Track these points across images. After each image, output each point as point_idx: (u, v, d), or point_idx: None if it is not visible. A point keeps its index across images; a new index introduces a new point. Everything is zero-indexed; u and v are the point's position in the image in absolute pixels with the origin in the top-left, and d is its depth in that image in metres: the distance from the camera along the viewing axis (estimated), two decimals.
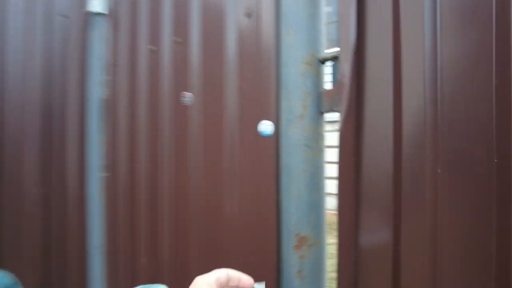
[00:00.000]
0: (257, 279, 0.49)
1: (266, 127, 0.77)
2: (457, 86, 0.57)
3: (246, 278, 0.51)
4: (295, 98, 0.72)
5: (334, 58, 0.70)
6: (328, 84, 0.74)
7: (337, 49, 0.67)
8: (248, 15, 0.82)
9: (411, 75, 0.61)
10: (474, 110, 0.55)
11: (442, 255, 0.58)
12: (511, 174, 0.53)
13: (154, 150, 1.08)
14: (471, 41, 0.55)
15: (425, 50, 0.59)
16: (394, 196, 0.63)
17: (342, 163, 0.68)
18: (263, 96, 0.79)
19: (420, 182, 0.60)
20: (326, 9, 0.74)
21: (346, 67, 0.66)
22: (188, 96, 0.97)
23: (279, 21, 0.76)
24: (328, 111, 0.71)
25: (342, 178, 0.68)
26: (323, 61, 0.72)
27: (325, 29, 0.75)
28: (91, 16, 1.28)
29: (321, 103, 0.72)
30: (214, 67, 0.91)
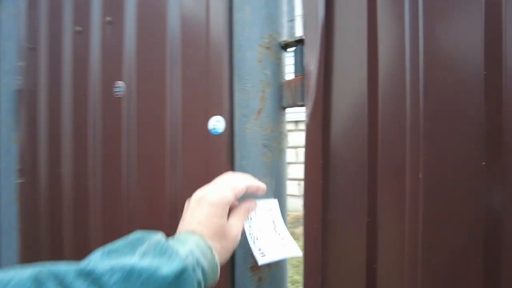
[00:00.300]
0: None
1: (216, 123, 0.65)
2: (442, 77, 0.48)
3: (263, 186, 0.51)
4: (251, 89, 0.60)
5: (298, 42, 0.59)
6: (289, 74, 0.63)
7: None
8: None
9: (389, 63, 0.51)
10: (460, 107, 0.48)
11: (424, 271, 0.49)
12: (501, 179, 0.46)
13: (81, 151, 0.90)
14: (457, 27, 0.48)
15: (405, 34, 0.50)
16: (368, 206, 0.54)
17: (309, 166, 0.57)
18: (212, 85, 0.66)
19: (399, 188, 0.51)
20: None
21: (313, 51, 0.55)
22: (121, 86, 0.81)
23: None
24: (290, 106, 0.60)
25: (308, 184, 0.57)
26: (284, 47, 0.61)
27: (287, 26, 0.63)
28: None
29: (282, 95, 0.60)
30: (153, 51, 0.76)
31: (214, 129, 0.65)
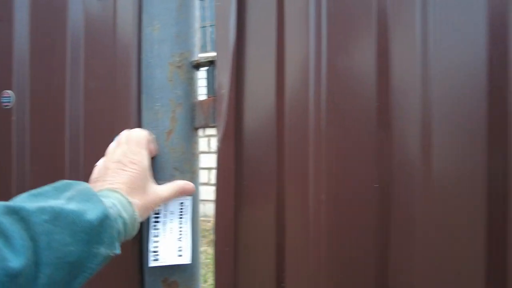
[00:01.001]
0: None
1: None
2: (342, 98, 0.52)
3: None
4: (161, 109, 0.57)
5: (210, 63, 0.58)
6: (202, 93, 0.62)
7: (214, 53, 0.56)
8: None
9: (295, 84, 0.54)
10: (357, 133, 0.52)
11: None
12: (391, 200, 0.51)
13: None
14: (355, 53, 0.52)
15: (309, 59, 0.53)
16: (277, 227, 0.56)
17: (221, 188, 0.57)
18: (118, 101, 0.62)
19: (304, 210, 0.54)
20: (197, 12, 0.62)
21: (225, 74, 0.55)
22: (10, 96, 0.71)
23: (141, 9, 0.59)
24: (203, 126, 0.59)
25: (220, 206, 0.57)
26: (196, 66, 0.59)
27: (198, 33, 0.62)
28: None
29: (194, 116, 0.59)
30: (51, 57, 0.68)
31: None
